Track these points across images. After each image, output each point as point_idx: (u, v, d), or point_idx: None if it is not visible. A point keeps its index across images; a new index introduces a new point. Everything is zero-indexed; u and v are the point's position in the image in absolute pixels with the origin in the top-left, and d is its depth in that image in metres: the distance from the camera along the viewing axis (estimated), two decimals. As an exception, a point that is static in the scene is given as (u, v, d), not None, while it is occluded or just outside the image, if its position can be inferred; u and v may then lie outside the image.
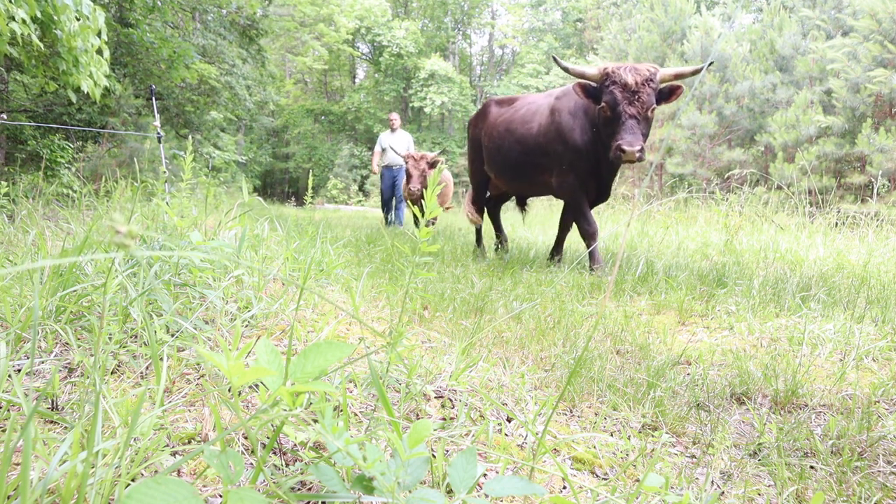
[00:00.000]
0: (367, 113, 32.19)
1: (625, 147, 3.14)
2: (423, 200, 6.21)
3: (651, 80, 3.27)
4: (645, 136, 3.24)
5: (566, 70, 3.56)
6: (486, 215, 5.23)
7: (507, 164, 4.31)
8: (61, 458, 0.74)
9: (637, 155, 3.13)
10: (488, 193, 4.98)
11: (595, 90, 3.42)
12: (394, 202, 9.27)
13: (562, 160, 3.83)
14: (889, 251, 4.15)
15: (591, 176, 3.79)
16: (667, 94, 3.39)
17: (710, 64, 3.99)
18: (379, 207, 23.99)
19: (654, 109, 3.31)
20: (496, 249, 4.87)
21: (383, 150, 8.97)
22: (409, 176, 6.33)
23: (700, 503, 0.98)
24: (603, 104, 3.33)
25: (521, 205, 5.15)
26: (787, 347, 2.14)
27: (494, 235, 5.09)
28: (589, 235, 3.76)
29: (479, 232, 5.17)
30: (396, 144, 8.85)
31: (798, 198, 7.07)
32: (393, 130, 9.02)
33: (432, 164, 6.30)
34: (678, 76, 3.37)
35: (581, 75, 3.51)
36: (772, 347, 2.19)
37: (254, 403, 1.19)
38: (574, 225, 4.61)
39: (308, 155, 32.48)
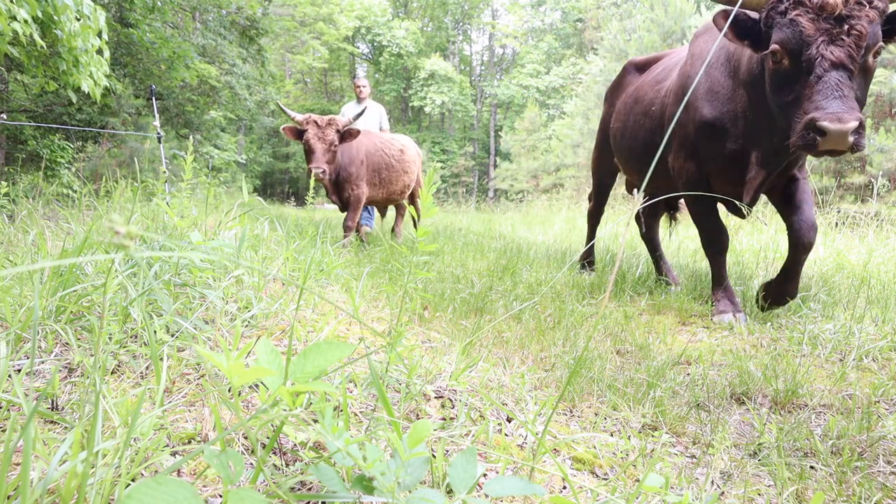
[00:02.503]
0: (368, 113, 32.15)
1: (826, 123, 1.77)
2: (335, 192, 4.89)
3: None
4: (861, 102, 1.92)
5: None
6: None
7: (634, 149, 3.14)
8: (61, 458, 0.74)
9: (851, 139, 1.78)
10: (639, 194, 3.47)
11: (754, 24, 2.09)
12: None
13: (682, 137, 2.63)
14: (889, 251, 4.14)
15: (730, 168, 2.51)
16: None
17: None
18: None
19: (878, 52, 1.90)
20: (659, 276, 3.48)
21: None
22: (309, 151, 4.30)
23: (700, 503, 0.98)
24: (774, 47, 1.96)
25: (671, 213, 3.74)
26: (787, 347, 2.14)
27: (650, 257, 3.73)
28: (719, 248, 2.72)
29: (589, 234, 4.07)
30: (364, 119, 6.81)
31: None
32: (360, 100, 6.82)
33: (346, 135, 4.42)
34: None
35: None
36: (772, 347, 2.19)
37: (254, 403, 1.19)
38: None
39: None
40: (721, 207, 2.84)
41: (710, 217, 2.73)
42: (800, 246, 2.44)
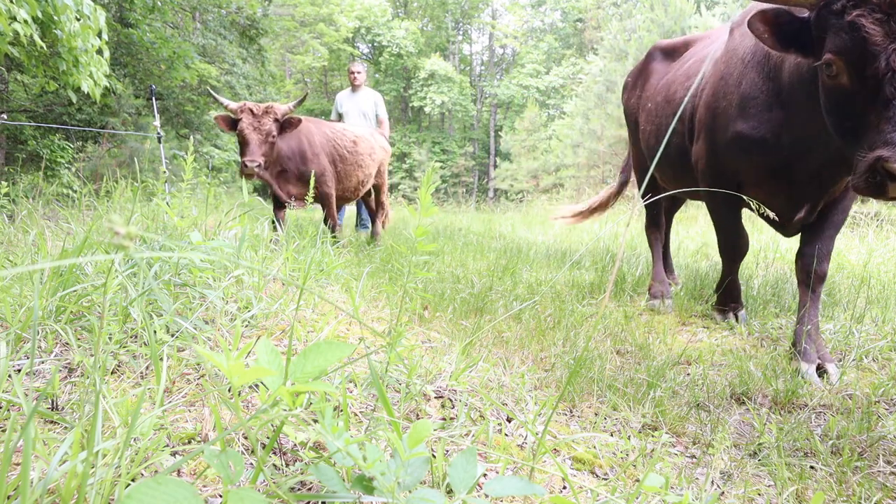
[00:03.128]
0: (367, 113, 32.16)
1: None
2: (277, 187, 4.47)
3: None
4: None
5: None
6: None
7: (668, 155, 2.71)
8: (61, 458, 0.74)
9: None
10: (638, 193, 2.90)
11: (802, 27, 1.64)
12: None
13: (711, 143, 2.25)
14: (889, 251, 4.15)
15: (772, 186, 2.15)
16: None
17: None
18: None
19: None
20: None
21: (340, 115, 6.39)
22: (243, 143, 3.78)
23: (700, 503, 0.98)
24: (828, 57, 1.53)
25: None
26: (787, 347, 2.14)
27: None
28: (722, 251, 2.50)
29: (656, 256, 3.31)
30: (359, 108, 6.27)
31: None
32: (354, 89, 6.27)
33: (286, 124, 3.93)
34: None
35: None
36: (772, 347, 2.19)
37: (254, 403, 1.19)
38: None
39: None
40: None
41: (731, 216, 2.38)
42: (814, 275, 2.11)
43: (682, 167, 2.63)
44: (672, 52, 3.05)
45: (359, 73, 6.26)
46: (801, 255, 2.17)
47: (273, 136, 3.83)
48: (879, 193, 1.45)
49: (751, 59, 2.06)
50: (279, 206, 4.39)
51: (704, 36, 2.91)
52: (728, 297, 2.57)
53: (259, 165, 3.72)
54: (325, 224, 4.17)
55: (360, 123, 6.15)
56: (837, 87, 1.55)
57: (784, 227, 2.27)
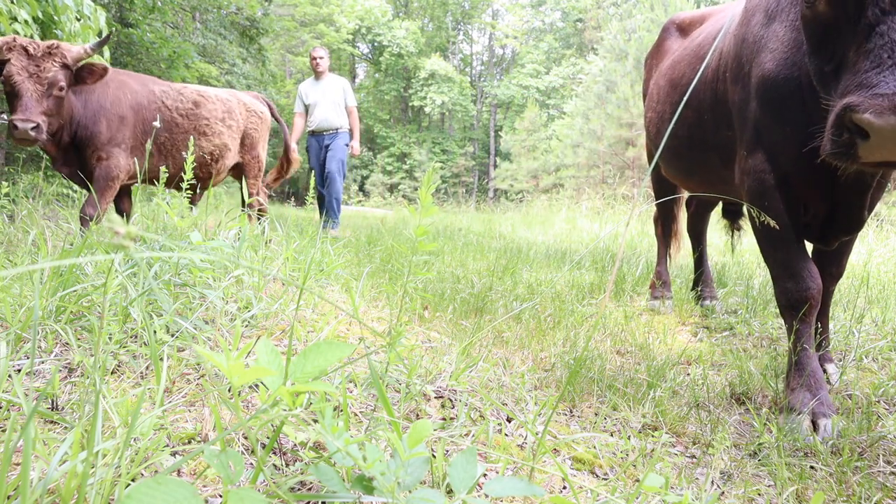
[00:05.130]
0: (368, 113, 32.19)
1: (869, 116, 1.05)
2: (67, 162, 3.19)
3: None
4: None
5: None
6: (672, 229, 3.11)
7: (674, 140, 2.28)
8: (61, 458, 0.74)
9: None
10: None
11: None
12: (328, 189, 5.82)
13: (742, 121, 1.76)
14: (889, 251, 4.15)
15: (811, 174, 1.58)
16: None
17: None
18: (379, 207, 23.66)
19: None
20: (696, 292, 2.91)
21: (306, 107, 5.80)
22: (13, 95, 2.65)
23: (700, 503, 0.98)
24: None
25: (731, 221, 2.85)
26: (788, 347, 2.14)
27: (694, 267, 3.02)
28: (789, 302, 1.63)
29: (661, 253, 3.05)
30: (327, 96, 5.65)
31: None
32: (318, 76, 5.74)
33: (84, 74, 2.86)
34: None
35: None
36: (772, 348, 2.19)
37: (254, 403, 1.19)
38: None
39: (308, 155, 32.42)
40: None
41: (784, 245, 1.63)
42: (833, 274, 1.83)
43: (695, 161, 2.25)
44: (688, 28, 2.60)
45: (321, 58, 5.68)
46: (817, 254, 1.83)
47: (61, 89, 2.74)
48: (848, 157, 1.12)
49: (774, 8, 1.67)
50: (121, 192, 3.41)
51: (723, 9, 2.40)
52: (803, 378, 1.58)
53: (37, 128, 2.62)
54: (83, 214, 2.94)
55: (332, 113, 5.66)
56: (816, 19, 1.27)
57: (824, 237, 1.73)
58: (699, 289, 2.91)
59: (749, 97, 1.72)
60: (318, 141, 5.80)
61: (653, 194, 3.11)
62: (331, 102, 5.68)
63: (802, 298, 1.59)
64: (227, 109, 3.71)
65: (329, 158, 5.71)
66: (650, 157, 3.09)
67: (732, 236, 2.88)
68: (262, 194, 4.08)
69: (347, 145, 5.84)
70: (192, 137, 2.65)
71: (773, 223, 1.51)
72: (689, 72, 2.22)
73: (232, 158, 3.77)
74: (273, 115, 4.24)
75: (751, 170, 1.71)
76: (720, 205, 2.86)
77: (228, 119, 3.69)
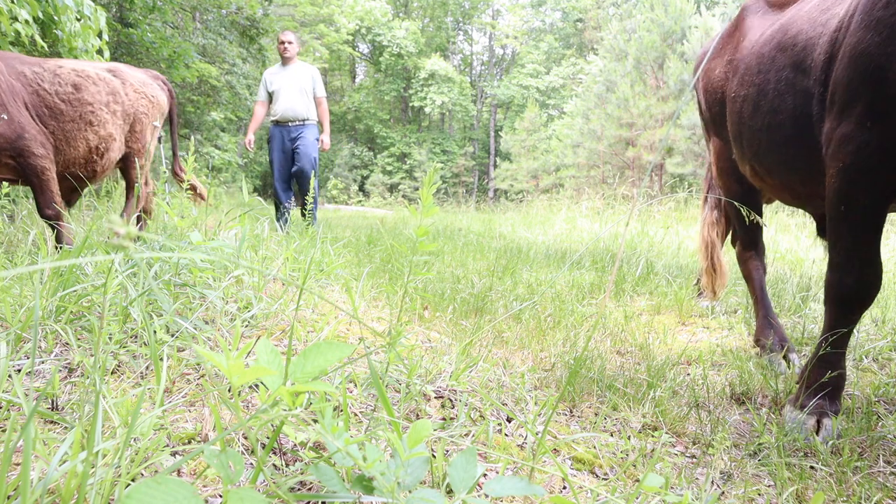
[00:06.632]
0: (368, 113, 32.21)
1: None
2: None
3: None
4: None
5: None
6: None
7: (773, 127, 1.79)
8: (61, 458, 0.74)
9: None
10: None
11: None
12: (294, 186, 5.33)
13: (855, 94, 1.42)
14: (889, 251, 4.15)
15: None
16: None
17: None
18: (379, 207, 23.56)
19: None
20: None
21: (270, 95, 5.26)
22: None
23: (700, 503, 0.98)
24: None
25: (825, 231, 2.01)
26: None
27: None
28: (842, 298, 1.49)
29: (759, 294, 2.23)
30: (295, 84, 5.19)
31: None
32: (286, 62, 5.25)
33: None
34: None
35: None
36: (772, 347, 2.19)
37: (254, 403, 1.19)
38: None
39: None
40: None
41: (861, 238, 1.45)
42: None
43: (798, 149, 1.71)
44: (781, 3, 2.11)
45: (290, 43, 5.19)
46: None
47: None
48: None
49: None
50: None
51: None
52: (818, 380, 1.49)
53: None
54: (45, 218, 2.68)
55: (299, 101, 5.17)
56: None
57: None
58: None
59: (874, 52, 1.35)
60: (282, 132, 5.22)
61: (716, 206, 2.40)
62: (298, 90, 5.20)
63: (858, 297, 1.46)
64: (112, 91, 3.10)
65: (301, 156, 5.16)
66: (718, 170, 2.33)
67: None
68: (147, 189, 3.43)
69: (318, 139, 5.37)
70: (81, 127, 2.13)
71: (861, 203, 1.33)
72: (810, 27, 1.67)
73: (118, 150, 3.17)
74: (171, 106, 3.57)
75: (850, 139, 1.43)
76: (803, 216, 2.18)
77: (113, 103, 3.09)
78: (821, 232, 2.01)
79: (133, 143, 3.28)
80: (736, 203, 2.08)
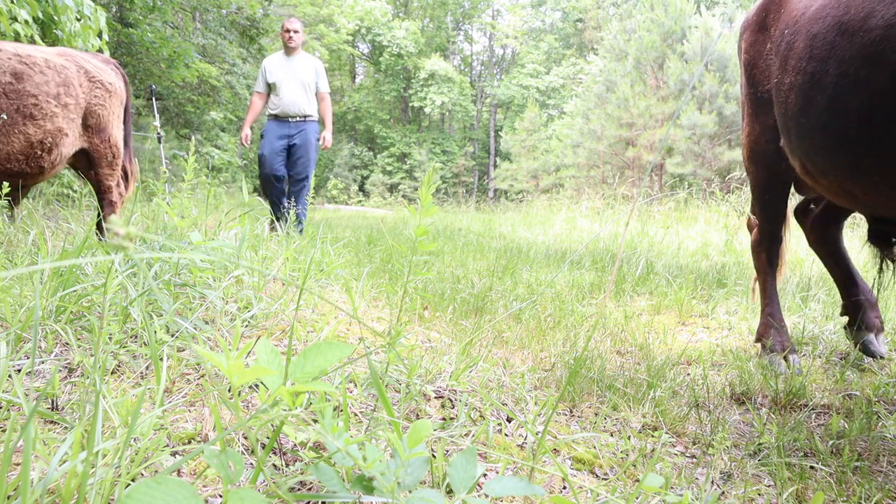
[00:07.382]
0: (368, 113, 32.22)
1: None
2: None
3: None
4: None
5: None
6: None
7: (835, 126, 1.51)
8: (61, 458, 0.74)
9: None
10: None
11: None
12: (289, 186, 4.93)
13: None
14: (889, 251, 4.14)
15: None
16: None
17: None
18: (379, 207, 23.53)
19: None
20: (849, 330, 2.09)
21: (269, 87, 4.86)
22: None
23: (700, 503, 0.98)
24: None
25: (883, 247, 1.88)
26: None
27: (840, 290, 2.19)
28: None
29: (770, 289, 2.18)
30: (297, 76, 4.80)
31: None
32: (289, 52, 4.85)
33: None
34: None
35: None
36: (772, 347, 2.19)
37: (254, 403, 1.19)
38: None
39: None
40: None
41: None
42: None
43: (871, 160, 1.46)
44: None
45: (296, 32, 4.78)
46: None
47: None
48: None
49: None
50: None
51: None
52: None
53: None
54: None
55: (302, 96, 4.81)
56: None
57: None
58: (860, 320, 2.02)
59: None
60: (280, 128, 4.80)
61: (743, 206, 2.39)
62: (300, 84, 4.80)
63: None
64: (63, 82, 2.79)
65: (299, 158, 4.79)
66: (748, 153, 2.10)
67: (881, 270, 1.95)
68: (117, 190, 3.17)
69: (318, 139, 4.99)
70: (17, 121, 1.93)
71: None
72: (883, 7, 1.35)
73: (71, 146, 2.90)
74: (126, 94, 3.27)
75: None
76: (852, 215, 2.07)
77: (64, 95, 2.80)
78: (871, 237, 1.85)
79: (91, 138, 2.99)
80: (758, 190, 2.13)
